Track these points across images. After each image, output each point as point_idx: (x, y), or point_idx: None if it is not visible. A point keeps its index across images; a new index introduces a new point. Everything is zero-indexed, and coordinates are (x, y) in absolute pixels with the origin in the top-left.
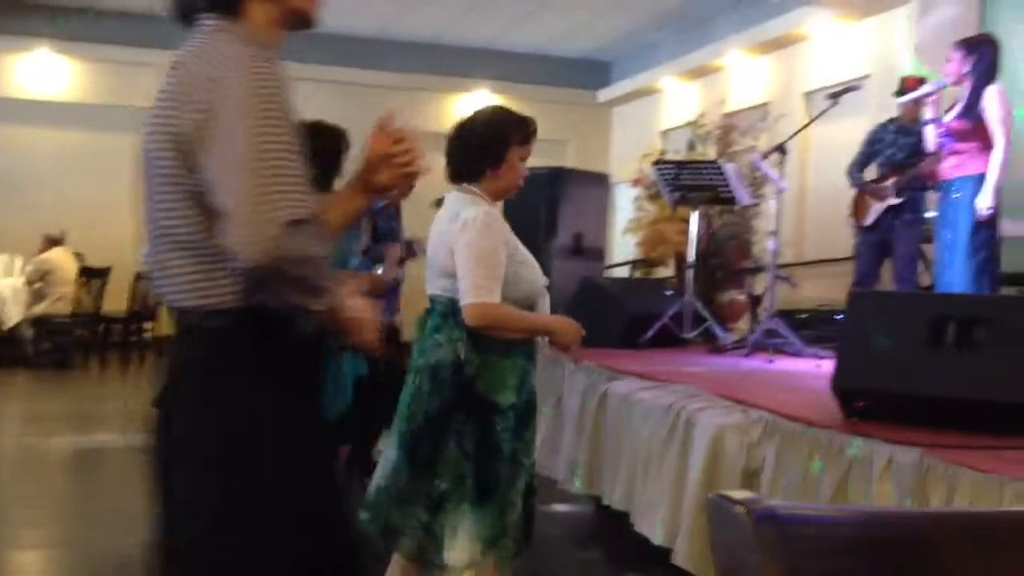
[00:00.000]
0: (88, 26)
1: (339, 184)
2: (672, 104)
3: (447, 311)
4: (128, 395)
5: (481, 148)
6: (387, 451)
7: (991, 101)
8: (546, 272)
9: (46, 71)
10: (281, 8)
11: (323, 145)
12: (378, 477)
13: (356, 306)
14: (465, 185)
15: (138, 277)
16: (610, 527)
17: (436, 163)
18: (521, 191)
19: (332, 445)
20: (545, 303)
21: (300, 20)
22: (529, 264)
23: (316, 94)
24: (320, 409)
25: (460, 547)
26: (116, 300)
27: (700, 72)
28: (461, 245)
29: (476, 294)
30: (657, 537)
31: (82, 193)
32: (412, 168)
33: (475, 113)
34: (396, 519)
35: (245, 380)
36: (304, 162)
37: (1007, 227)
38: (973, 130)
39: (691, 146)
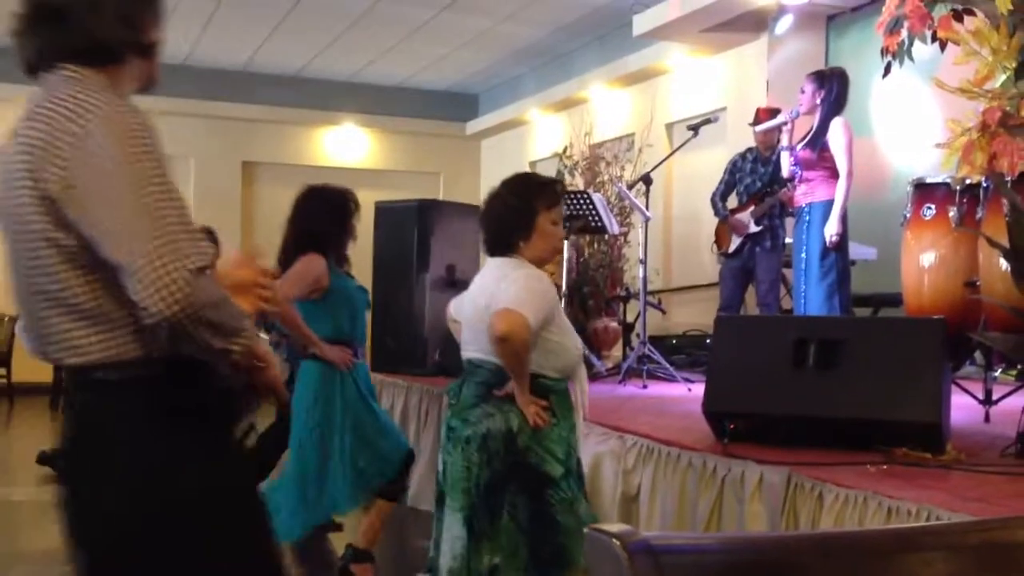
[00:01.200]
0: None
1: (351, 246)
2: (540, 135)
3: (494, 379)
4: None
5: (509, 221)
6: (450, 527)
7: (836, 132)
8: (419, 305)
9: None
10: (149, 69)
11: (335, 207)
12: (447, 556)
13: (268, 350)
14: (505, 255)
15: None
16: None
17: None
18: (391, 224)
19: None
20: (583, 373)
21: (151, 84)
22: (571, 333)
23: (182, 128)
24: (235, 449)
25: None
26: None
27: (565, 104)
28: (510, 281)
29: (517, 304)
30: None
31: None
32: (268, 306)
33: (500, 185)
34: None
35: (143, 432)
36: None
37: (856, 250)
38: (819, 159)
39: (560, 176)
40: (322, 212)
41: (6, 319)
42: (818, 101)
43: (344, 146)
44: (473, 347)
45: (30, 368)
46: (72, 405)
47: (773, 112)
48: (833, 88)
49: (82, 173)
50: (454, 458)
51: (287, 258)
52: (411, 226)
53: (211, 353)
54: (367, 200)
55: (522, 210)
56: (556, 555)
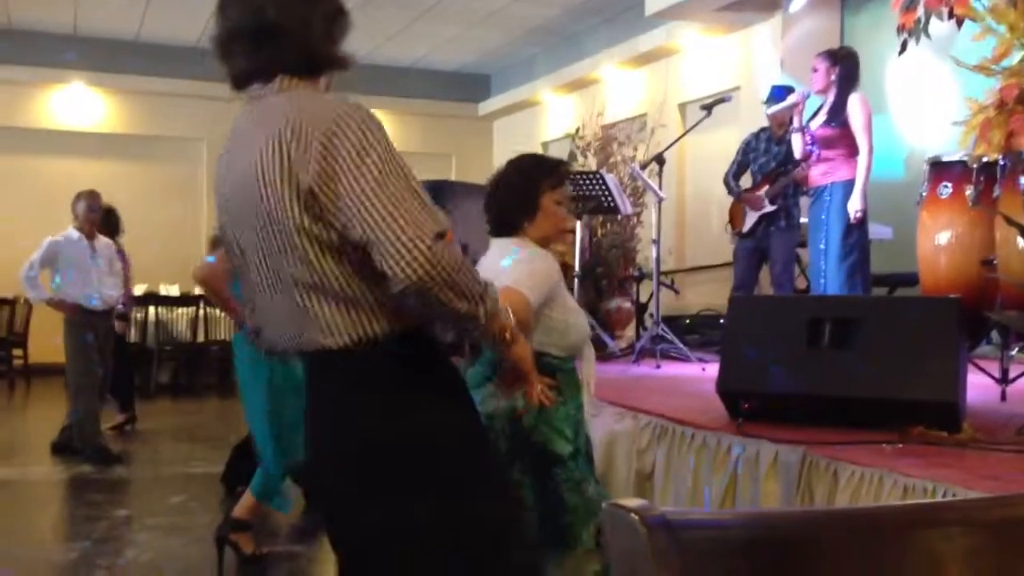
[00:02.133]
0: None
1: None
2: (552, 116)
3: (497, 359)
4: (2, 425)
5: (513, 201)
6: None
7: (855, 108)
8: None
9: None
10: (331, 79)
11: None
12: None
13: (513, 325)
14: (505, 237)
15: (2, 303)
16: None
17: None
18: None
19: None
20: (590, 353)
21: (329, 87)
22: (578, 312)
23: (197, 110)
24: (477, 417)
25: None
26: None
27: (577, 85)
28: (512, 261)
29: (516, 282)
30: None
31: None
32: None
33: (508, 163)
34: None
35: (401, 403)
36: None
37: (872, 230)
38: (839, 136)
39: (572, 157)
40: None
41: (22, 300)
42: (832, 78)
43: None
44: None
45: (47, 349)
46: (319, 394)
47: (788, 90)
48: (846, 65)
49: (336, 167)
50: None
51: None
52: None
53: (457, 317)
54: None
55: (527, 190)
56: (560, 534)
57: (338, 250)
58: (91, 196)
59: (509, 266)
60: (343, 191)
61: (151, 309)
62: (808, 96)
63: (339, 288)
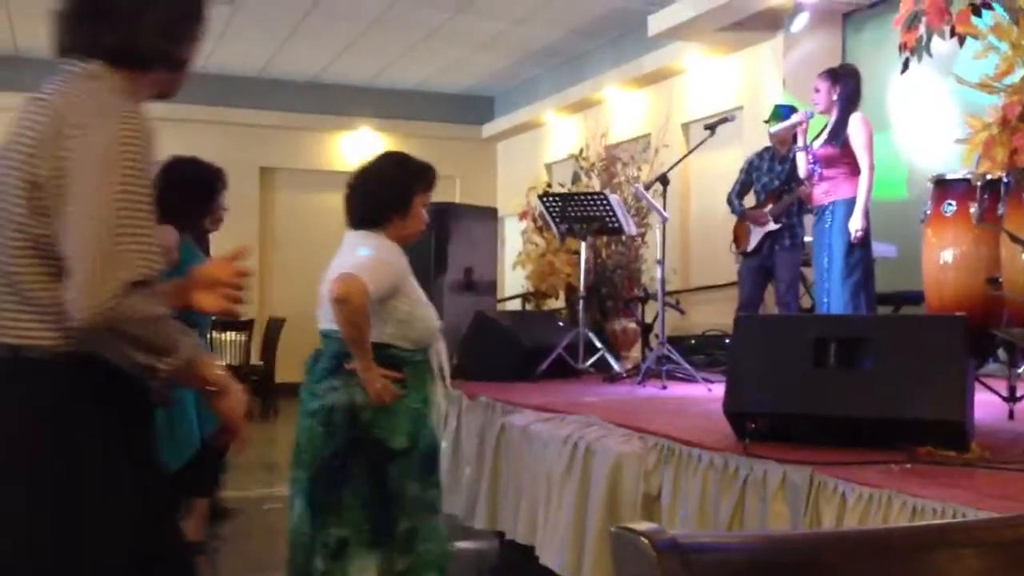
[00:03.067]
0: None
1: (209, 222)
2: (555, 137)
3: (343, 351)
4: None
5: (388, 197)
6: (295, 494)
7: (855, 127)
8: (438, 308)
9: None
10: (172, 81)
11: (196, 182)
12: (291, 524)
13: (222, 376)
14: (364, 230)
15: None
16: (515, 561)
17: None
18: None
19: (160, 489)
20: (441, 346)
21: (168, 94)
22: (425, 305)
23: (199, 135)
24: (143, 453)
25: None
26: None
27: (581, 106)
28: (364, 248)
29: (357, 269)
30: (562, 568)
31: None
32: (234, 307)
33: (377, 160)
34: (306, 566)
35: (63, 414)
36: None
37: (876, 248)
38: (840, 156)
39: (576, 178)
40: (178, 185)
41: None
42: (834, 98)
43: (361, 150)
44: (324, 319)
45: None
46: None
47: (791, 110)
48: (847, 84)
49: (71, 166)
50: (302, 430)
51: None
52: (430, 229)
53: (134, 367)
54: None
55: (404, 189)
56: (405, 538)
57: (41, 251)
58: None
59: (357, 255)
60: (66, 198)
61: None
62: (812, 116)
63: (27, 285)
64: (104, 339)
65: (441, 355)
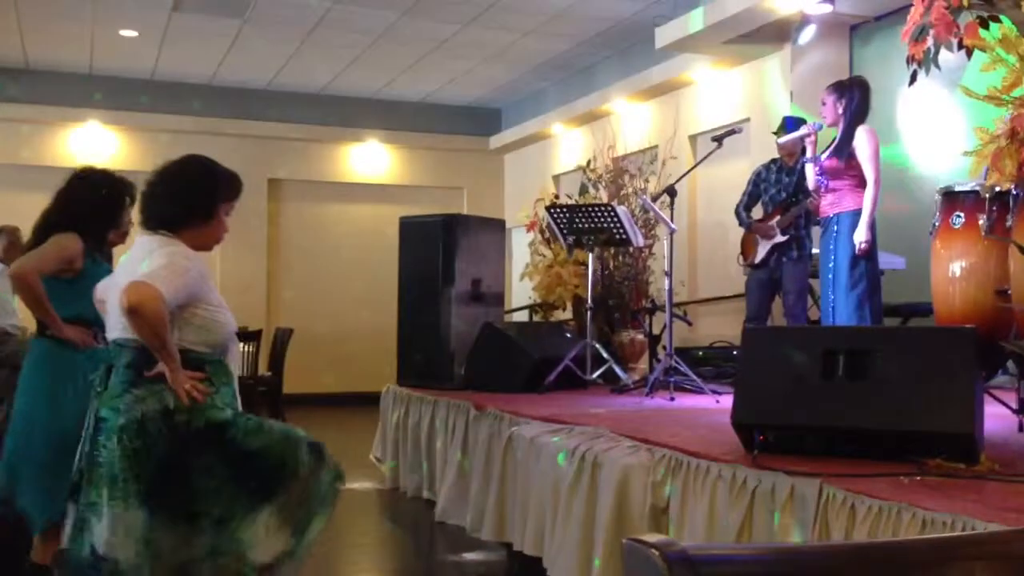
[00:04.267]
0: None
1: (114, 235)
2: (563, 149)
3: (141, 359)
4: None
5: (192, 200)
6: (117, 518)
7: (861, 140)
8: (445, 319)
9: None
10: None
11: (106, 194)
12: (131, 550)
13: None
14: (162, 232)
15: None
16: (523, 572)
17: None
18: (417, 239)
19: None
20: (236, 348)
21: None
22: (224, 309)
23: (208, 147)
24: None
25: (268, 543)
26: None
27: (588, 117)
28: (155, 257)
29: (150, 277)
30: None
31: None
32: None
33: (181, 162)
34: (184, 565)
35: None
36: None
37: (885, 260)
38: (846, 168)
39: (583, 190)
40: (87, 195)
41: None
42: (840, 111)
43: (368, 162)
44: (116, 328)
45: None
46: None
47: (799, 122)
48: (854, 96)
49: None
50: (110, 450)
51: (43, 233)
52: (436, 241)
53: None
54: (392, 215)
55: (207, 194)
56: (271, 478)
57: None
58: (14, 231)
59: (152, 262)
60: None
61: None
62: (820, 128)
63: None
64: None
65: (236, 359)
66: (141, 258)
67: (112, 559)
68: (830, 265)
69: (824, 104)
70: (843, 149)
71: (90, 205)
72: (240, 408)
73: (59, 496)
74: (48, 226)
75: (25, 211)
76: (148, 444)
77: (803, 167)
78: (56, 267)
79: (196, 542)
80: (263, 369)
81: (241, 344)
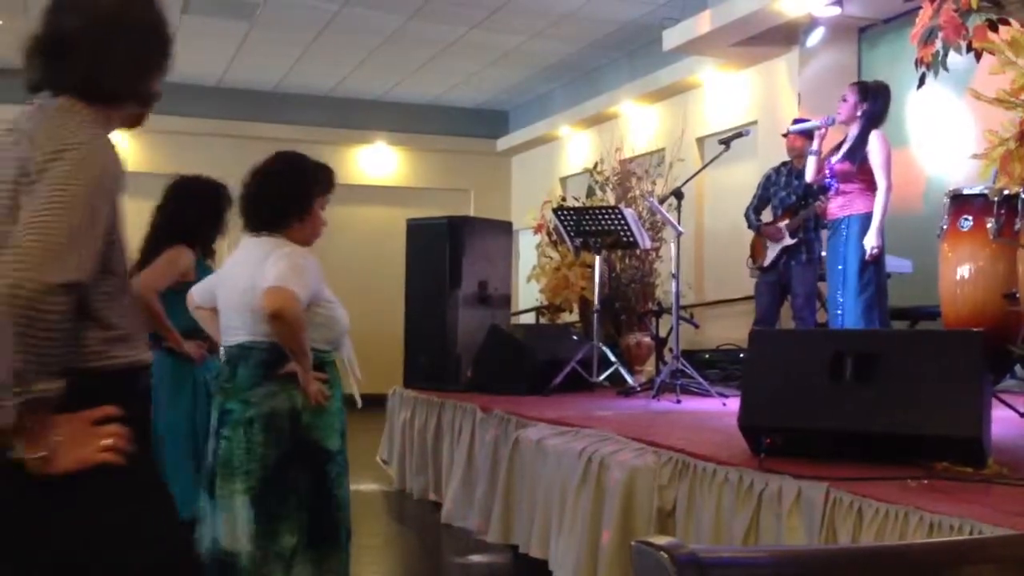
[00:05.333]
0: None
1: (220, 243)
2: (570, 151)
3: (271, 358)
4: None
5: (289, 198)
6: (234, 508)
7: (874, 146)
8: (452, 321)
9: None
10: (141, 113)
11: (208, 199)
12: (241, 541)
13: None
14: (265, 233)
15: None
16: (529, 575)
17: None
18: (423, 241)
19: None
20: (349, 342)
21: (137, 124)
22: (338, 305)
23: (215, 149)
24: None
25: None
26: None
27: (596, 120)
28: (276, 259)
29: (283, 280)
30: None
31: None
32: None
33: (273, 161)
34: None
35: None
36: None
37: (892, 263)
38: (857, 172)
39: (590, 192)
40: (193, 204)
41: None
42: (859, 113)
43: (375, 164)
44: (242, 331)
45: None
46: None
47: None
48: (876, 101)
49: (42, 189)
50: (233, 441)
51: (154, 247)
52: (443, 243)
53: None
54: (399, 217)
55: (302, 191)
56: (332, 530)
57: None
58: None
59: (272, 265)
60: (35, 198)
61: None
62: (832, 123)
63: None
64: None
65: (351, 352)
66: (256, 261)
67: (232, 552)
68: (839, 268)
69: (845, 100)
70: (856, 153)
71: (197, 215)
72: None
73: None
74: (158, 241)
75: None
76: (273, 440)
77: (807, 158)
78: (171, 282)
79: (272, 572)
80: None
81: None
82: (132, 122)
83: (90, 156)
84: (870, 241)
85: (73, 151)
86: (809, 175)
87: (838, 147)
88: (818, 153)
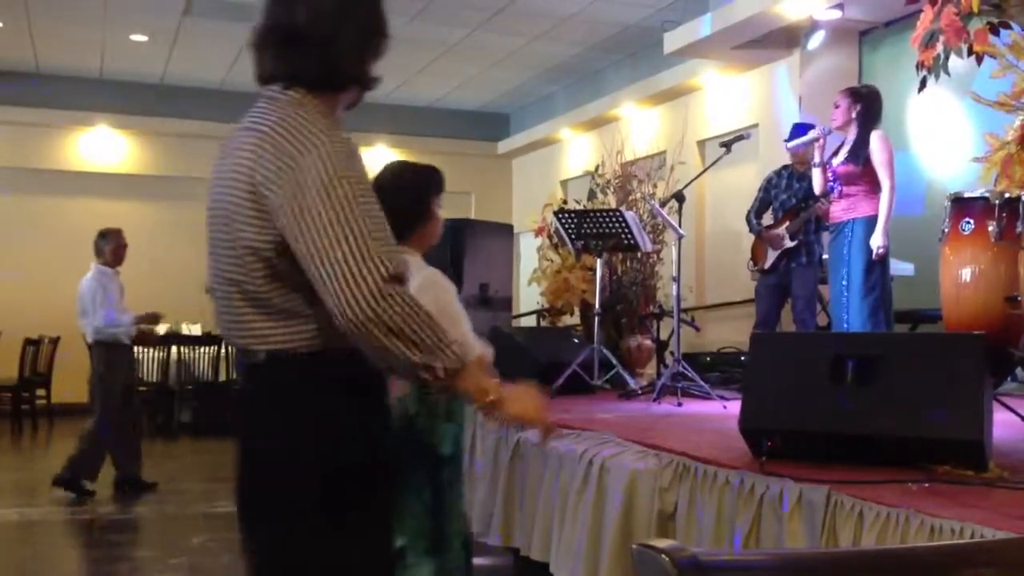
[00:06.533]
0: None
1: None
2: (571, 154)
3: None
4: (23, 466)
5: (409, 208)
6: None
7: (876, 146)
8: None
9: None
10: (359, 96)
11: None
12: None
13: (494, 385)
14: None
15: (27, 343)
16: None
17: None
18: None
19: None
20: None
21: (354, 106)
22: (466, 319)
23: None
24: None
25: None
26: (5, 367)
27: (596, 123)
28: (425, 288)
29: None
30: None
31: None
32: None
33: (387, 173)
34: None
35: (322, 409)
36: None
37: (894, 266)
38: (861, 174)
39: (591, 195)
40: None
41: (46, 340)
42: (853, 116)
43: (377, 166)
44: None
45: (69, 389)
46: (247, 392)
47: (807, 127)
48: (868, 103)
49: (296, 193)
50: (397, 437)
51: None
52: (444, 245)
53: (407, 366)
54: None
55: (420, 195)
56: (459, 546)
57: (281, 271)
58: (120, 233)
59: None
60: (303, 217)
61: (173, 348)
62: (829, 132)
63: (274, 300)
64: (376, 335)
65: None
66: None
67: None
68: (843, 271)
69: (837, 106)
70: (858, 154)
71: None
72: (465, 426)
73: None
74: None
75: (32, 213)
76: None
77: (812, 171)
78: None
79: None
80: None
81: None
82: (351, 106)
83: (337, 157)
84: (876, 241)
85: (315, 157)
86: (817, 187)
87: (837, 151)
88: (821, 164)
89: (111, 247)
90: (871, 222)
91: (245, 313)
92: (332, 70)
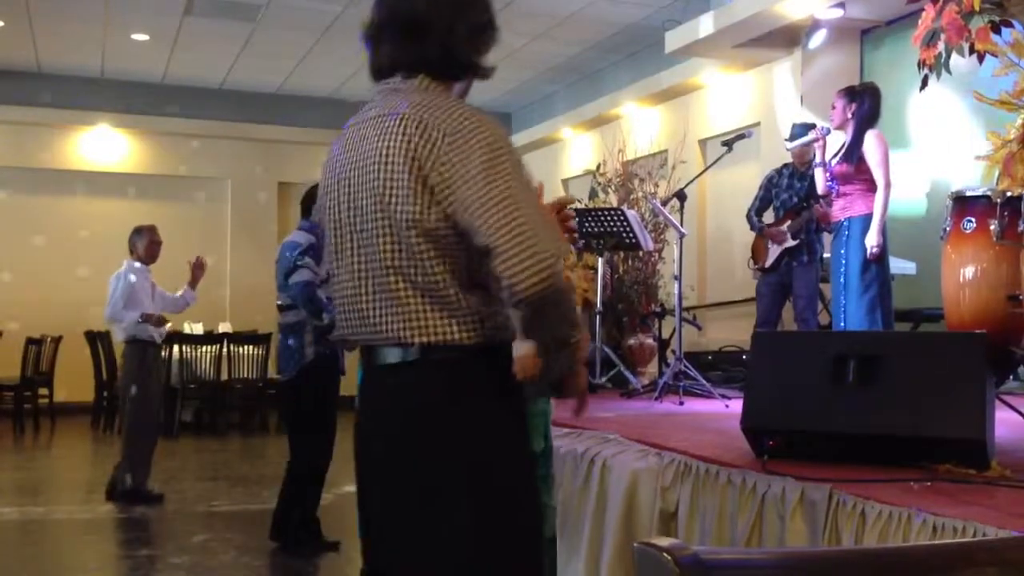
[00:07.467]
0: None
1: None
2: (572, 153)
3: None
4: (25, 465)
5: None
6: None
7: (870, 145)
8: None
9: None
10: (470, 83)
11: None
12: None
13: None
14: None
15: (29, 342)
16: None
17: None
18: None
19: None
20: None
21: (465, 95)
22: None
23: (219, 150)
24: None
25: None
26: (7, 366)
27: (598, 122)
28: None
29: None
30: None
31: None
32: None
33: None
34: None
35: (481, 404)
36: None
37: (896, 265)
38: (856, 173)
39: (593, 194)
40: None
41: (48, 340)
42: (849, 115)
43: None
44: None
45: (71, 389)
46: (382, 383)
47: (808, 126)
48: (864, 102)
49: (463, 169)
50: None
51: None
52: None
53: (556, 340)
54: None
55: None
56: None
57: (445, 251)
58: (154, 230)
59: None
60: (469, 194)
61: (175, 347)
62: (828, 132)
63: (436, 286)
64: (548, 307)
65: None
66: None
67: None
68: (841, 269)
69: (834, 108)
70: (852, 153)
71: None
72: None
73: None
74: None
75: (32, 213)
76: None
77: (812, 171)
78: None
79: None
80: (272, 371)
81: (251, 347)
82: (462, 95)
83: (492, 135)
84: (871, 240)
85: (475, 135)
86: (819, 187)
87: (838, 151)
88: (822, 164)
89: (144, 243)
90: (867, 220)
91: (404, 301)
92: (453, 58)
